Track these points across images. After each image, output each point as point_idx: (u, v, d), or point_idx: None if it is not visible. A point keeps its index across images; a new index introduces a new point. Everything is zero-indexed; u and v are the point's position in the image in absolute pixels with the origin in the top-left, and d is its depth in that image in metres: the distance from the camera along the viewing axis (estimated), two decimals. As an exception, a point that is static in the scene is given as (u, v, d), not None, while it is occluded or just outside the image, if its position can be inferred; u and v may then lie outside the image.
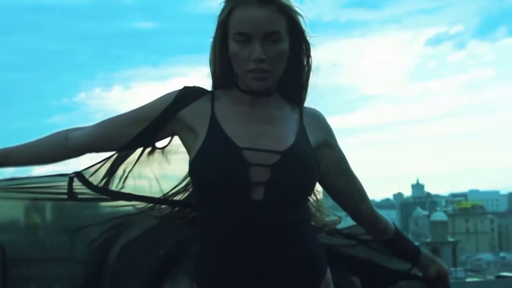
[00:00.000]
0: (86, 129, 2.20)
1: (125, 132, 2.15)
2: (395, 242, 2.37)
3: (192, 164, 2.05)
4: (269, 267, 1.99)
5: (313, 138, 2.12)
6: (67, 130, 2.21)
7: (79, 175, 2.25)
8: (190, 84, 2.16)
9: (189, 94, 2.13)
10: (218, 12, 2.08)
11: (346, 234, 2.47)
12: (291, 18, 2.05)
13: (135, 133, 2.14)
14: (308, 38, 2.10)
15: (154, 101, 2.16)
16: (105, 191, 2.26)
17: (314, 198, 2.27)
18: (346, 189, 2.26)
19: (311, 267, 2.07)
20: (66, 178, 2.24)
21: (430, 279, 2.42)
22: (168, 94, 2.15)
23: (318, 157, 2.12)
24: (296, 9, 2.05)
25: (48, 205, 2.36)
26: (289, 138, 2.06)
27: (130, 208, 2.30)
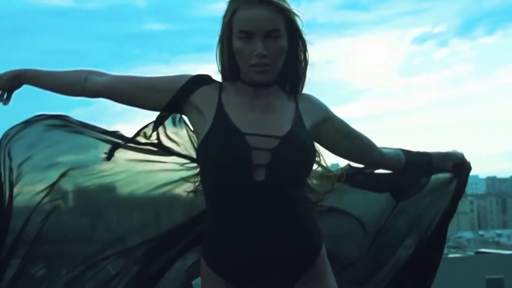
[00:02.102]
0: (106, 77, 2.21)
1: (139, 95, 2.17)
2: (409, 166, 2.42)
3: (199, 147, 2.06)
4: (270, 243, 2.00)
5: (309, 121, 2.14)
6: (89, 72, 2.23)
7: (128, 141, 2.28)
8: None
9: (200, 79, 2.15)
10: (223, 13, 2.09)
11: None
12: (289, 18, 2.06)
13: (152, 98, 2.15)
14: (304, 35, 2.11)
15: (170, 76, 2.18)
16: (153, 145, 2.28)
17: (311, 180, 2.27)
18: (355, 148, 2.29)
19: (309, 243, 2.08)
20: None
21: (450, 170, 2.51)
22: (182, 75, 2.17)
23: (322, 132, 2.18)
24: (293, 9, 2.06)
25: (70, 190, 2.35)
26: (287, 125, 2.06)
27: (152, 192, 2.33)
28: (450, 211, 2.53)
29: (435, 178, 2.51)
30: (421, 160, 2.46)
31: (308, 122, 2.13)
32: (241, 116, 2.05)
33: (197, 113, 2.12)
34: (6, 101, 2.32)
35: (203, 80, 2.15)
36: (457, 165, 2.52)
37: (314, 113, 2.17)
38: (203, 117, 2.09)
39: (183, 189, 2.35)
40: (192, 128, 2.24)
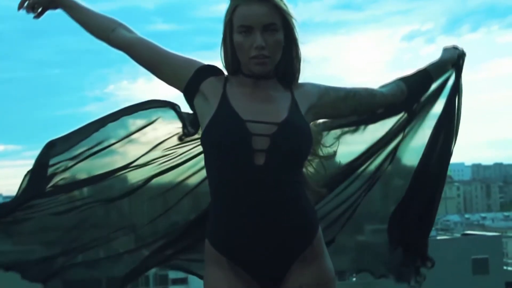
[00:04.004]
0: (131, 35, 2.22)
1: (153, 63, 2.18)
2: (412, 93, 2.40)
3: (203, 133, 2.07)
4: (270, 224, 2.00)
5: (305, 106, 2.14)
6: (119, 25, 2.24)
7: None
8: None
9: (210, 70, 2.15)
10: (224, 12, 2.09)
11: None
12: (284, 17, 2.06)
13: (163, 71, 2.16)
14: (297, 35, 2.10)
15: (185, 58, 2.17)
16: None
17: (310, 169, 2.27)
18: (358, 103, 2.26)
19: (307, 224, 2.07)
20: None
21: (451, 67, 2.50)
22: (195, 60, 2.17)
23: (322, 108, 2.17)
24: (288, 10, 2.06)
25: (84, 179, 2.34)
26: (284, 112, 2.07)
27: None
28: (452, 98, 2.51)
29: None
30: (422, 82, 2.44)
31: (304, 108, 2.13)
32: (243, 105, 2.05)
33: (203, 100, 2.12)
34: (37, 16, 2.31)
35: (212, 70, 2.15)
36: (454, 63, 2.50)
37: (308, 97, 2.16)
38: (208, 104, 2.09)
39: (190, 178, 2.37)
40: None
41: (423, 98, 2.49)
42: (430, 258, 2.53)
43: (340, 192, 2.49)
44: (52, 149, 2.26)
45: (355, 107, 2.27)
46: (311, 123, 2.19)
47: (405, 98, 2.38)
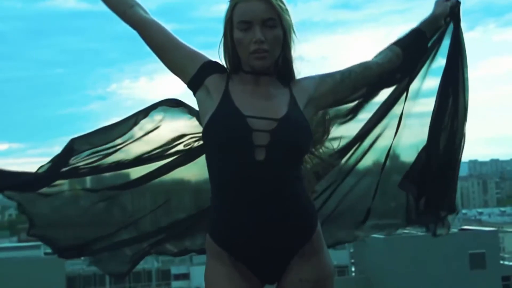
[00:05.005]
0: (146, 16, 2.21)
1: (164, 47, 2.17)
2: (408, 53, 2.34)
3: (205, 128, 2.07)
4: (270, 219, 2.00)
5: (304, 100, 2.13)
6: (137, 3, 2.22)
7: None
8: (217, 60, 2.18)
9: (215, 66, 2.16)
10: (225, 12, 2.10)
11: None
12: (282, 17, 2.06)
13: (170, 58, 2.16)
14: (292, 35, 2.10)
15: (194, 51, 2.17)
16: None
17: (308, 166, 2.27)
18: (356, 80, 2.24)
19: (306, 219, 2.07)
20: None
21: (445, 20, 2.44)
22: (202, 55, 2.17)
23: (322, 97, 2.17)
24: (284, 9, 2.07)
25: (88, 176, 2.34)
26: (284, 109, 2.07)
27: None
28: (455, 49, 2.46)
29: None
30: (417, 41, 2.38)
31: (302, 103, 2.13)
32: (244, 102, 2.06)
33: (206, 94, 2.12)
34: None
35: (217, 67, 2.15)
36: (448, 15, 2.43)
37: (306, 91, 2.16)
38: (210, 99, 2.10)
39: (192, 174, 2.37)
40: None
41: (422, 57, 2.43)
42: (455, 206, 2.49)
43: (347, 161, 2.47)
44: (77, 145, 2.26)
45: (354, 85, 2.25)
46: (321, 116, 2.21)
47: (401, 61, 2.33)
